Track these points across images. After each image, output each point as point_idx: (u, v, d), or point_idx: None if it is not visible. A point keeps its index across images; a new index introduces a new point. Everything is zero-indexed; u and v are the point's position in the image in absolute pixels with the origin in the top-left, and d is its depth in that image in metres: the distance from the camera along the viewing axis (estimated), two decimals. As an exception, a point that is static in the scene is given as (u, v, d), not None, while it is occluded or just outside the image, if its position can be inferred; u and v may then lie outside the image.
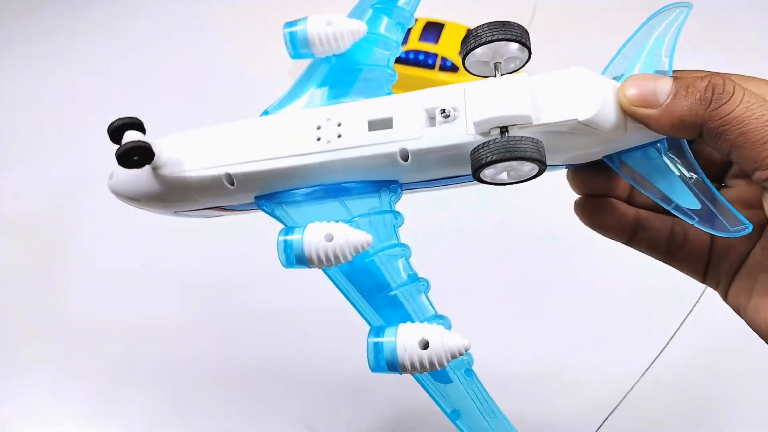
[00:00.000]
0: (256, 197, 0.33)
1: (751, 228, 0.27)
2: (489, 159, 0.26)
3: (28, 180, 0.75)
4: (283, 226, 0.31)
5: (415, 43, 0.78)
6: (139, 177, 0.33)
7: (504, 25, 0.30)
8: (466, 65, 0.31)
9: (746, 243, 0.32)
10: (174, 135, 0.34)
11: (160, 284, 0.65)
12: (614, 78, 0.30)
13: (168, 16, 0.94)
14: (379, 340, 0.28)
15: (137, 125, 0.31)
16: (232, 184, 0.32)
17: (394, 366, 0.28)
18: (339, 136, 0.30)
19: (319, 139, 0.30)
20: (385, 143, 0.29)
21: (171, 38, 0.91)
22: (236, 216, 0.36)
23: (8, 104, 0.83)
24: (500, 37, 0.29)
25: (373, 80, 0.34)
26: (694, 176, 0.29)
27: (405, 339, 0.28)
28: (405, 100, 0.30)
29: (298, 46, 0.33)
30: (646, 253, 0.35)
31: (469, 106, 0.28)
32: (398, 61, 0.79)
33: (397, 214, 0.31)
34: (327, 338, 0.60)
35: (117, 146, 0.30)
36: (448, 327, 0.29)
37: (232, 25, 0.91)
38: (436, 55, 0.78)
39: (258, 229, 0.64)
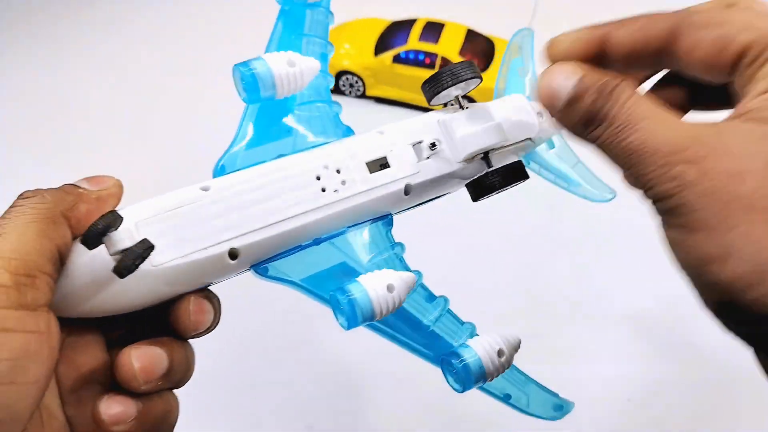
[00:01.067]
0: (252, 266, 0.29)
1: (614, 195, 0.35)
2: (500, 185, 0.31)
3: (29, 179, 0.75)
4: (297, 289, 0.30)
5: (415, 43, 0.78)
6: (101, 280, 0.26)
7: (471, 64, 0.32)
8: (433, 102, 0.32)
9: None
10: (142, 210, 0.27)
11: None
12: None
13: (170, 17, 0.94)
14: (461, 361, 0.30)
15: (119, 219, 0.25)
16: (234, 258, 0.27)
17: (482, 376, 0.30)
18: (343, 183, 0.29)
19: (324, 190, 0.29)
20: (391, 183, 0.30)
21: (172, 39, 0.91)
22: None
23: (9, 104, 0.83)
24: (471, 75, 0.31)
25: (321, 116, 0.33)
26: (574, 162, 0.37)
27: (486, 349, 0.30)
28: (389, 137, 0.31)
29: (261, 88, 0.29)
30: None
31: (451, 137, 0.32)
32: (398, 60, 0.79)
33: (397, 245, 0.32)
34: (327, 339, 0.60)
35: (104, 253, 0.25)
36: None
37: (234, 28, 0.91)
38: (435, 55, 0.78)
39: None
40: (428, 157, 0.31)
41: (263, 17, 0.37)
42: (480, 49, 0.79)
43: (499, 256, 0.66)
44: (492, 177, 0.31)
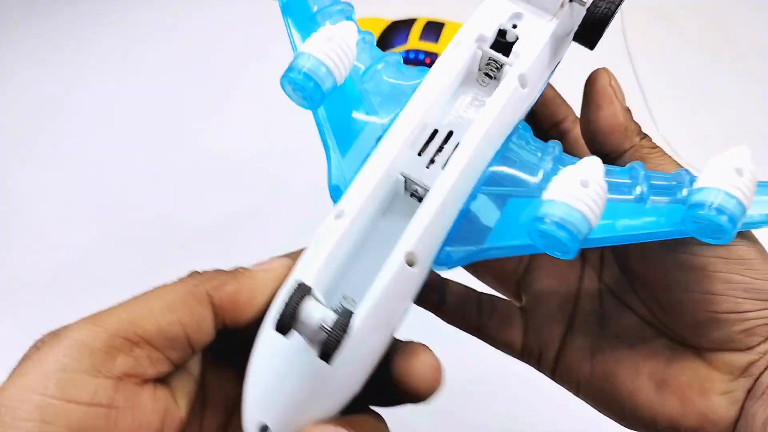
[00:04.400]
0: (434, 263, 0.26)
1: None
2: (613, 7, 0.26)
3: (29, 179, 0.75)
4: None
5: (415, 43, 0.78)
6: (308, 376, 0.22)
7: None
8: None
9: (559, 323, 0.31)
10: (304, 269, 0.24)
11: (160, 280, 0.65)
12: None
13: (172, 14, 0.94)
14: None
15: (308, 290, 0.21)
16: (413, 265, 0.24)
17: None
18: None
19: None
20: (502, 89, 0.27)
21: (175, 37, 0.91)
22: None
23: (9, 103, 0.84)
24: None
25: (389, 77, 0.29)
26: None
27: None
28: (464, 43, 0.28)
29: (321, 83, 0.25)
30: (458, 327, 0.32)
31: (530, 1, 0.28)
32: (398, 60, 0.79)
33: (552, 144, 0.27)
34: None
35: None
36: None
37: (233, 23, 0.91)
38: (436, 55, 0.78)
39: (265, 239, 0.63)
40: (518, 38, 0.27)
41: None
42: (480, 49, 0.78)
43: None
44: (599, 4, 0.26)
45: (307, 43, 0.26)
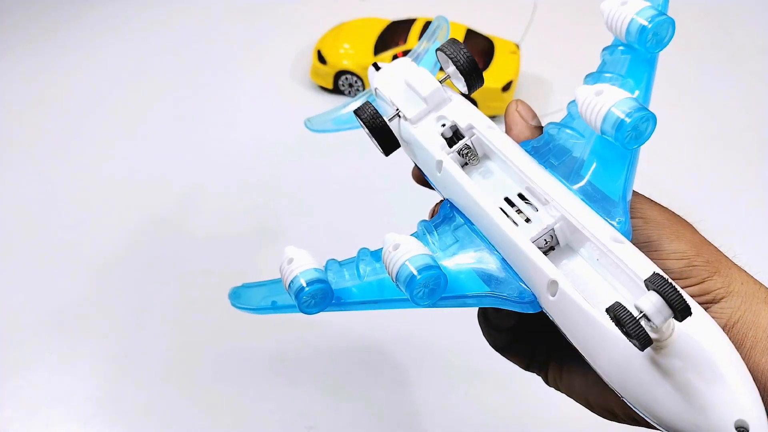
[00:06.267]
0: None
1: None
2: None
3: (27, 180, 0.75)
4: None
5: (415, 43, 0.78)
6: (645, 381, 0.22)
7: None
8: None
9: None
10: None
11: (159, 283, 0.66)
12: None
13: (174, 17, 0.94)
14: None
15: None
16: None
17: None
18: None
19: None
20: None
21: (176, 39, 0.91)
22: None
23: (10, 105, 0.84)
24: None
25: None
26: None
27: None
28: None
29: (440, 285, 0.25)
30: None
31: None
32: (398, 60, 0.79)
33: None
34: (327, 339, 0.60)
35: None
36: None
37: (234, 26, 0.92)
38: (435, 55, 0.78)
39: (273, 251, 0.63)
40: (455, 122, 0.32)
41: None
42: (479, 49, 0.78)
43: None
44: (458, 59, 0.32)
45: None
